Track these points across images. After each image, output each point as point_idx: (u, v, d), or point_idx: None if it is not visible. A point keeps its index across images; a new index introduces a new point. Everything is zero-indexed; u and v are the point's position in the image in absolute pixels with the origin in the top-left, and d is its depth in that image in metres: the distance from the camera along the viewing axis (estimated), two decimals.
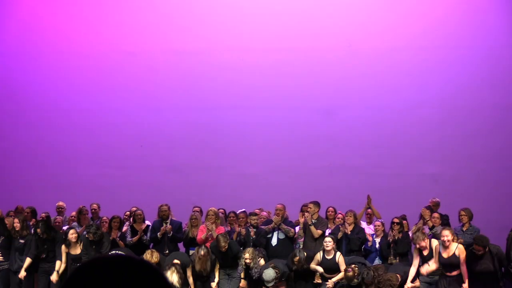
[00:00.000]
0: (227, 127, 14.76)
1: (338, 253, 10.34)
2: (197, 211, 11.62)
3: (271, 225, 10.90)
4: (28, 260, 10.81)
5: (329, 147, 14.53)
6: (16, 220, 11.05)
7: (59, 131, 14.96)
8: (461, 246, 9.63)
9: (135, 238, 11.11)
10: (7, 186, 14.38)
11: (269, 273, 9.87)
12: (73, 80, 15.14)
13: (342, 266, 10.08)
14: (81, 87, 15.09)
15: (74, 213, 12.02)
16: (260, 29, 14.90)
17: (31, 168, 14.73)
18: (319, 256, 10.30)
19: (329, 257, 10.26)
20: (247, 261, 10.18)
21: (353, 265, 9.80)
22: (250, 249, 10.34)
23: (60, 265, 10.67)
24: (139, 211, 11.50)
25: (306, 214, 10.98)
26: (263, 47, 14.78)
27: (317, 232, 10.86)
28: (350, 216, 11.26)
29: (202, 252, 10.31)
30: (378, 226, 11.24)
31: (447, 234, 9.56)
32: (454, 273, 9.60)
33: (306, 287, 10.45)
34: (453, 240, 9.63)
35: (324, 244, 10.31)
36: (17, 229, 10.98)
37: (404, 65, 14.67)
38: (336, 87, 14.70)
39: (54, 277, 10.64)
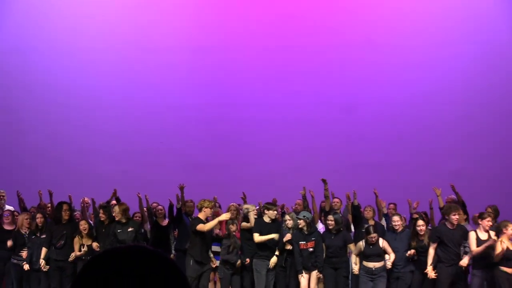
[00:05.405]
0: (248, 124, 14.74)
1: (381, 240, 10.23)
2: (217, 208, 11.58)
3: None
4: (44, 250, 10.78)
5: (350, 144, 14.49)
6: (39, 215, 11.02)
7: (78, 127, 14.99)
8: None
9: None
10: (29, 183, 14.36)
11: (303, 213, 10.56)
12: (93, 76, 15.19)
13: (389, 249, 10.09)
14: (101, 83, 15.14)
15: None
16: (281, 26, 14.89)
17: (52, 165, 14.75)
18: (361, 244, 10.24)
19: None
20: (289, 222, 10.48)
21: None
22: (292, 214, 10.85)
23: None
24: (160, 207, 11.45)
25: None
26: (284, 44, 14.78)
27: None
28: (369, 211, 11.22)
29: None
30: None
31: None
32: None
33: (335, 277, 10.35)
34: None
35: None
36: (39, 224, 10.95)
37: (425, 61, 14.64)
38: (357, 84, 14.69)
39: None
